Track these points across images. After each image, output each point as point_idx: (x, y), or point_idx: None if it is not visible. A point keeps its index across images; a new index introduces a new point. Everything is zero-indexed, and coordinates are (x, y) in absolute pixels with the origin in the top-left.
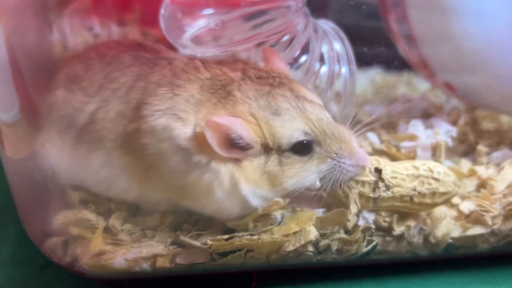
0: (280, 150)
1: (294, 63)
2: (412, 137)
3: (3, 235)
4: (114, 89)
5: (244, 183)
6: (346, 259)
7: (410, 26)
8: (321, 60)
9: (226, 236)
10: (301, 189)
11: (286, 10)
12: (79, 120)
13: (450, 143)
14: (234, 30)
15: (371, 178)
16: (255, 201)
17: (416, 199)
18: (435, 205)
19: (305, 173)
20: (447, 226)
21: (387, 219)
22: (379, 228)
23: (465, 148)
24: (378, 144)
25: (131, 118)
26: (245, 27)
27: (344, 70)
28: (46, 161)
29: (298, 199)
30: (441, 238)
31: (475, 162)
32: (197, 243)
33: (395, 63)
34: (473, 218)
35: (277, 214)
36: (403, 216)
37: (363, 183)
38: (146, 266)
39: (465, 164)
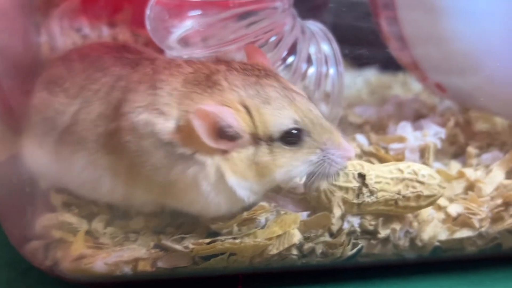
0: (270, 140)
1: (281, 64)
2: (401, 139)
3: None
4: (96, 90)
5: (231, 175)
6: (331, 262)
7: (401, 27)
8: (309, 61)
9: (208, 240)
10: (289, 181)
11: (273, 11)
12: (62, 122)
13: (439, 145)
14: (221, 32)
15: (355, 184)
16: (242, 193)
17: (401, 203)
18: (420, 208)
19: (295, 163)
20: (433, 229)
21: (373, 222)
22: (364, 231)
23: (455, 149)
24: (366, 146)
25: (112, 117)
26: (232, 29)
27: (332, 71)
28: (27, 164)
29: (284, 202)
30: (427, 241)
31: (465, 164)
32: (178, 246)
33: (390, 63)
34: (461, 221)
35: (262, 218)
36: (388, 219)
37: (346, 189)
38: (127, 270)
39: (455, 166)
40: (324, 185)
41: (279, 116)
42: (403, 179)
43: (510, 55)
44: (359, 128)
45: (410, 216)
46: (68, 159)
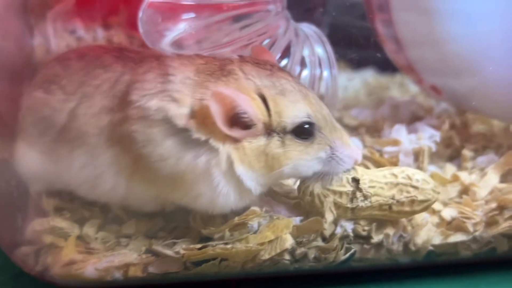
0: (282, 132)
1: None
2: (395, 142)
3: None
4: (97, 85)
5: (239, 164)
6: (324, 267)
7: (395, 29)
8: (303, 64)
9: (199, 245)
10: (296, 175)
11: (266, 14)
12: (59, 120)
13: (434, 148)
14: (215, 35)
15: (349, 188)
16: (249, 183)
17: (395, 208)
18: (414, 213)
19: (305, 157)
20: (427, 233)
21: (366, 228)
22: (357, 236)
23: (451, 152)
24: (361, 149)
25: (116, 109)
26: (226, 31)
27: (325, 73)
28: (20, 167)
29: (278, 206)
30: (421, 246)
31: (460, 166)
32: (169, 252)
33: (388, 64)
34: (455, 225)
35: (254, 223)
36: (382, 223)
37: (340, 193)
38: (118, 275)
39: (450, 169)
40: (317, 189)
41: (294, 108)
42: (397, 184)
43: (505, 58)
44: (354, 130)
45: (404, 220)
46: (67, 157)
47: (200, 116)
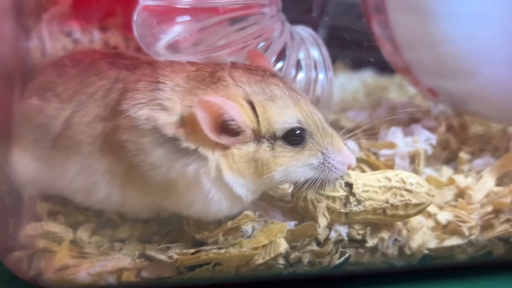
0: (272, 138)
1: None
2: (392, 145)
3: None
4: (91, 93)
5: (228, 172)
6: (319, 271)
7: (392, 30)
8: (299, 66)
9: (192, 250)
10: (287, 181)
11: (261, 17)
12: (55, 127)
13: (430, 151)
14: (210, 37)
15: (342, 193)
16: (239, 190)
17: (389, 212)
18: (408, 216)
19: (295, 163)
20: (422, 237)
21: (361, 232)
22: (352, 240)
23: (448, 154)
24: (357, 152)
25: (109, 118)
26: (221, 34)
27: (321, 76)
28: (16, 172)
29: (273, 211)
30: (416, 249)
31: (457, 169)
32: (162, 256)
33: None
34: (450, 229)
35: (248, 227)
36: (377, 227)
37: (333, 198)
38: (111, 280)
39: (446, 172)
40: (311, 194)
41: (284, 114)
42: (391, 188)
43: (501, 60)
44: (350, 133)
45: (399, 224)
46: (61, 165)
47: (190, 123)
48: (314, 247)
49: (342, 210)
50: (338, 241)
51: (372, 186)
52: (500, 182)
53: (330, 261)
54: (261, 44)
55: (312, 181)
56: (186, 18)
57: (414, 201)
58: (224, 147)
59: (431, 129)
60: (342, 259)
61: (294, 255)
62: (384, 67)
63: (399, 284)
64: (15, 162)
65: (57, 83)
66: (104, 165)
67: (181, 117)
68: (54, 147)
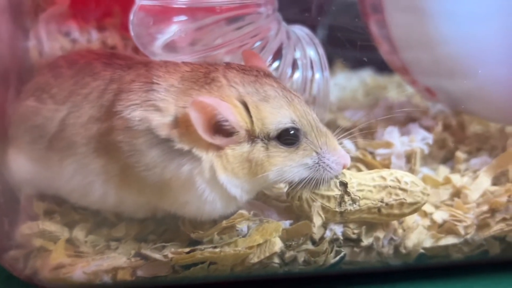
0: (266, 138)
1: None
2: (388, 144)
3: None
4: (86, 94)
5: (222, 172)
6: (314, 270)
7: (389, 30)
8: (295, 66)
9: (187, 249)
10: (281, 181)
11: (257, 16)
12: (50, 129)
13: (426, 150)
14: (206, 37)
15: (337, 192)
16: (233, 190)
17: (384, 211)
18: (403, 215)
19: (289, 163)
20: (418, 236)
21: (356, 231)
22: (347, 239)
23: (445, 154)
24: (354, 151)
25: (104, 119)
26: (217, 34)
27: (317, 76)
28: (12, 172)
29: (268, 210)
30: (412, 249)
31: (453, 168)
32: (158, 255)
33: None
34: (446, 228)
35: (243, 227)
36: (372, 226)
37: (328, 197)
38: (107, 279)
39: (443, 171)
40: (306, 194)
41: (278, 114)
42: (385, 187)
43: (498, 59)
44: (347, 132)
45: (395, 223)
46: (57, 165)
47: (184, 124)
48: (309, 246)
49: (337, 209)
50: (333, 240)
51: (367, 185)
52: (496, 181)
53: (325, 260)
54: (258, 44)
55: (307, 180)
56: (183, 17)
57: (409, 200)
58: (218, 148)
59: (429, 129)
60: (337, 258)
61: (289, 254)
62: (383, 67)
63: (395, 283)
64: (11, 162)
65: (52, 85)
66: (99, 165)
67: (175, 118)
68: (50, 148)
